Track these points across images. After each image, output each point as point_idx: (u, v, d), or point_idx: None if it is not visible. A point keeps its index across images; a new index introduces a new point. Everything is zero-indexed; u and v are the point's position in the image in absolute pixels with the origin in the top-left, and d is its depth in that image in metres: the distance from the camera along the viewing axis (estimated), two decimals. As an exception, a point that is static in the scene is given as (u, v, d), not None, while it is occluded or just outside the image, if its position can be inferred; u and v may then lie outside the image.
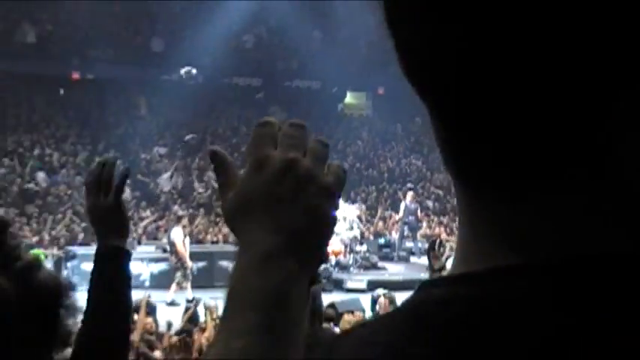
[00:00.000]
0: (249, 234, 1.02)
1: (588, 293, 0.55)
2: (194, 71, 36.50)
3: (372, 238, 26.09)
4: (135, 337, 9.40)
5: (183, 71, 36.25)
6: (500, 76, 0.58)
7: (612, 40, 0.55)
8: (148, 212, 27.85)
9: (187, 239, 20.68)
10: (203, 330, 10.65)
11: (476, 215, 0.63)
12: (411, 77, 0.64)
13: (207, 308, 12.10)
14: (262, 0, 37.02)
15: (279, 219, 1.02)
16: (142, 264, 21.35)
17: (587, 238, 0.57)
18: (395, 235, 26.35)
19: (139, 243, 24.88)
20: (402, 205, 26.44)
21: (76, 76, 34.08)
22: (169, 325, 12.16)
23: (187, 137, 33.77)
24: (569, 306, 0.54)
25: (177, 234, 20.19)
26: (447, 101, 0.61)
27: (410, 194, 27.15)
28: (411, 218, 25.93)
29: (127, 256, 2.53)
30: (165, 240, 22.69)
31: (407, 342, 0.55)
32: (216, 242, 25.60)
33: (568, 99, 0.57)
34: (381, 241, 25.50)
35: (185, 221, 22.46)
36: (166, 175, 30.43)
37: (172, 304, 17.56)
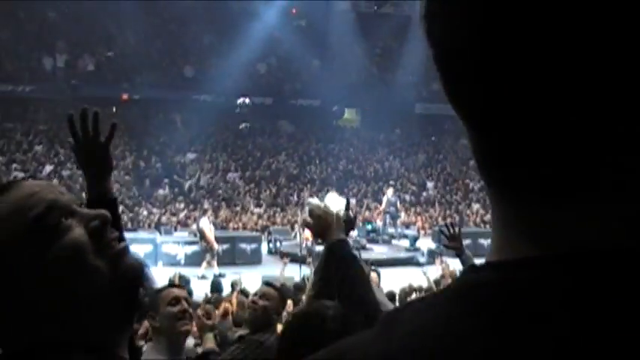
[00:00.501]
0: None
1: (590, 281, 0.53)
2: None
3: (360, 224, 26.07)
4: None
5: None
6: (539, 96, 0.54)
7: None
8: (182, 205, 27.86)
9: (212, 227, 20.81)
10: (228, 299, 10.65)
11: (510, 217, 0.61)
12: (453, 95, 0.61)
13: (233, 282, 12.19)
14: (272, 35, 37.06)
15: None
16: (178, 246, 21.33)
17: (604, 237, 0.55)
18: (379, 223, 26.35)
19: (175, 229, 24.90)
20: (385, 199, 26.46)
21: (125, 97, 34.03)
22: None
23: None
24: (573, 292, 0.53)
25: (205, 223, 20.32)
26: (488, 122, 0.58)
27: (391, 189, 27.22)
28: (392, 209, 26.01)
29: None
30: (194, 227, 22.78)
31: (457, 315, 0.56)
32: (237, 229, 25.63)
33: (600, 121, 0.53)
34: (368, 227, 25.44)
35: (210, 212, 22.60)
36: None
37: (203, 277, 17.60)
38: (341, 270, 2.62)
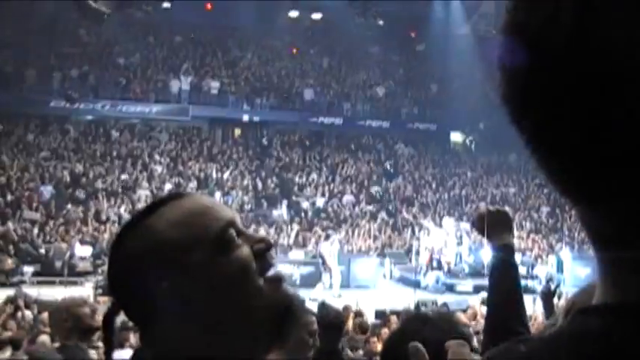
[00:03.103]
0: None
1: None
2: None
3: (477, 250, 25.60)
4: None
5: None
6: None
7: None
8: (298, 226, 28.07)
9: (334, 250, 21.11)
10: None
11: (618, 267, 0.62)
12: (543, 132, 0.61)
13: (345, 308, 11.82)
14: (390, 59, 37.08)
15: None
16: (293, 267, 21.46)
17: None
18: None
19: (290, 249, 25.11)
20: None
21: (245, 118, 34.75)
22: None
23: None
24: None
25: (326, 247, 20.70)
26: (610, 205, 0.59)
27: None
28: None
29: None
30: (310, 249, 23.13)
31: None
32: (351, 252, 25.57)
33: None
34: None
35: (335, 237, 22.84)
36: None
37: (314, 300, 17.62)
38: (496, 279, 2.58)
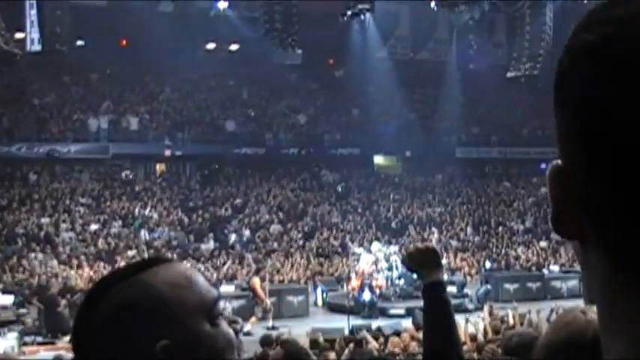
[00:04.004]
0: None
1: None
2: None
3: (408, 272, 25.65)
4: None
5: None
6: None
7: None
8: (225, 259, 27.74)
9: (266, 284, 21.12)
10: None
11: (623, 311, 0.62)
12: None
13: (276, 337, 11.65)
14: (310, 86, 37.26)
15: None
16: (225, 301, 21.14)
17: None
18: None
19: (220, 283, 24.73)
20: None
21: (167, 153, 34.29)
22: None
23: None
24: None
25: (256, 280, 20.74)
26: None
27: (435, 236, 26.84)
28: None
29: None
30: (239, 281, 23.05)
31: None
32: (282, 281, 25.35)
33: None
34: (415, 275, 25.02)
35: (264, 271, 22.84)
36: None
37: (247, 334, 17.29)
38: (431, 315, 2.72)
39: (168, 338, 1.10)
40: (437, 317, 2.69)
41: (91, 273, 24.11)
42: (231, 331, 1.19)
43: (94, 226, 28.80)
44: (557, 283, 25.24)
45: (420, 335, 11.34)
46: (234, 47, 38.74)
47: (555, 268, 27.38)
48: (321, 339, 13.03)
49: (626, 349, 0.60)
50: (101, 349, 1.11)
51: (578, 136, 0.61)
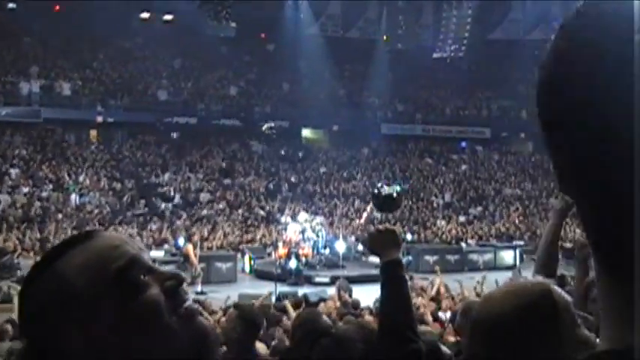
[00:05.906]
0: None
1: None
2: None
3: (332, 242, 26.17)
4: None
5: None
6: None
7: None
8: (156, 225, 27.95)
9: (197, 251, 21.28)
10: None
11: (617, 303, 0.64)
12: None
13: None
14: (242, 59, 37.31)
15: None
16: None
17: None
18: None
19: (150, 249, 24.91)
20: (365, 215, 26.85)
21: (99, 119, 34.08)
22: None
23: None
24: None
25: (189, 246, 20.94)
26: None
27: (370, 206, 27.45)
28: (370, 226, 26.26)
29: None
30: (169, 246, 23.32)
31: None
32: (211, 248, 25.66)
33: None
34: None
35: (197, 236, 23.03)
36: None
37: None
38: (388, 291, 2.85)
39: (82, 337, 1.07)
40: (393, 294, 2.81)
41: (20, 235, 24.09)
42: (155, 294, 1.12)
43: (24, 189, 28.62)
44: (474, 256, 26.12)
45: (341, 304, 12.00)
46: (168, 17, 38.61)
47: (472, 242, 28.60)
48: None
49: (617, 340, 0.63)
50: (41, 342, 1.10)
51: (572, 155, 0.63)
